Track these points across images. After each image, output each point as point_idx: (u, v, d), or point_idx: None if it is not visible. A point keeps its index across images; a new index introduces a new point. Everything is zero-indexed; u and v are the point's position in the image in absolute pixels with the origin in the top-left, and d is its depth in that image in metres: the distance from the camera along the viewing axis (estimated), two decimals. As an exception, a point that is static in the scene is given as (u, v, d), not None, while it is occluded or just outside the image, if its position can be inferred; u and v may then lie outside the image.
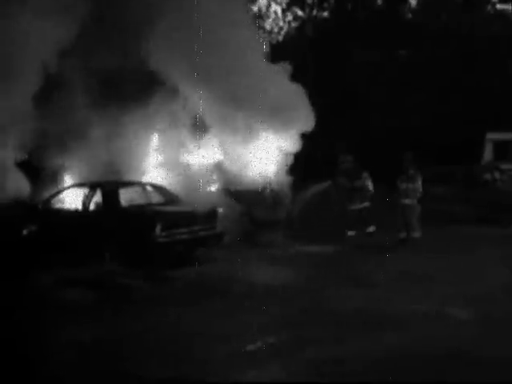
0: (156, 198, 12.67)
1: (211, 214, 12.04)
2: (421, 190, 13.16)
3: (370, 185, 14.17)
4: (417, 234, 13.03)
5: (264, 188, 13.84)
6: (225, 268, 10.98)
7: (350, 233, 13.91)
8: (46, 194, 13.07)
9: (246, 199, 13.61)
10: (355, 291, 9.10)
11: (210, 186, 14.34)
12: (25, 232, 11.03)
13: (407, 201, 13.14)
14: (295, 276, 10.34)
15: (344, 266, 11.07)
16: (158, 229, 11.04)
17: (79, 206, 12.10)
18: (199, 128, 14.28)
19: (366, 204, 14.07)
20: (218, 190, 14.12)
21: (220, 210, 12.27)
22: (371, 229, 13.97)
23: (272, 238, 13.15)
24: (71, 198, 12.67)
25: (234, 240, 12.62)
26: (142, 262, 10.66)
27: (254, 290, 9.35)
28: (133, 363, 6.50)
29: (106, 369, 6.41)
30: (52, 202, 12.69)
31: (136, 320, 8.04)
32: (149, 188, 13.09)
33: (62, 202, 12.78)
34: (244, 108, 13.49)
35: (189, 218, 11.62)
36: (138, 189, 12.91)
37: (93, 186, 12.31)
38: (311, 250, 12.47)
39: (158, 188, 13.18)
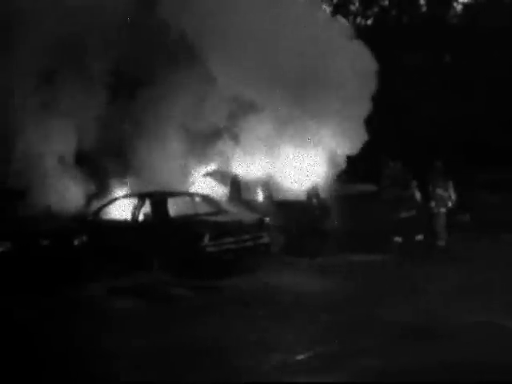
0: (204, 208, 12.76)
1: (258, 224, 12.08)
2: (452, 197, 13.14)
3: (417, 194, 14.02)
4: (442, 243, 13.23)
5: (310, 197, 13.77)
6: (272, 277, 10.97)
7: (397, 239, 13.69)
8: (96, 205, 13.32)
9: (293, 209, 13.57)
10: (405, 301, 8.98)
11: (257, 195, 14.37)
12: (76, 242, 11.21)
13: (436, 209, 13.36)
14: (344, 285, 10.27)
15: (394, 275, 10.94)
16: (206, 238, 11.14)
17: (128, 217, 12.27)
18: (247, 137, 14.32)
19: (413, 212, 13.90)
20: (265, 199, 14.12)
21: (267, 219, 12.29)
22: (419, 237, 13.79)
23: (319, 247, 13.07)
24: (120, 209, 12.87)
25: (281, 249, 12.60)
26: (191, 272, 10.74)
27: (303, 300, 9.32)
28: (182, 372, 6.54)
29: (156, 377, 6.46)
30: (102, 212, 12.92)
31: (185, 329, 8.09)
32: (197, 198, 13.20)
33: (112, 212, 12.99)
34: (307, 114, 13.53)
35: (236, 227, 11.68)
36: (186, 199, 13.04)
37: (142, 197, 12.49)
38: (359, 259, 12.36)
39: (205, 198, 13.28)
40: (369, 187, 14.39)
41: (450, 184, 13.50)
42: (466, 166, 16.00)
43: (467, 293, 9.36)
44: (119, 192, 13.95)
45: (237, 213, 12.67)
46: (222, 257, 11.26)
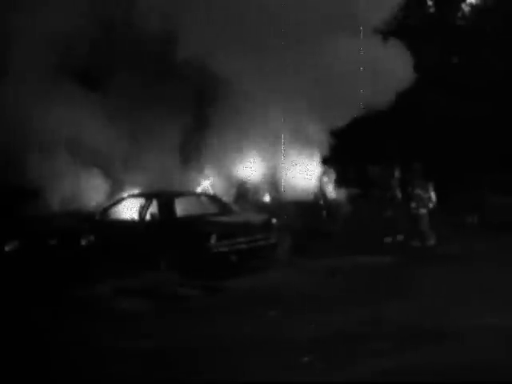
0: (211, 209, 12.77)
1: (266, 225, 12.07)
2: (433, 199, 13.33)
3: (398, 194, 14.39)
4: (431, 242, 13.45)
5: (317, 198, 13.78)
6: (279, 278, 10.96)
7: (387, 239, 14.02)
8: (103, 205, 13.34)
9: (300, 210, 13.57)
10: (414, 303, 8.93)
11: (264, 196, 14.39)
12: (83, 242, 11.24)
13: (419, 210, 13.63)
14: (350, 286, 10.24)
15: (399, 276, 10.90)
16: (213, 239, 11.14)
17: (135, 217, 12.28)
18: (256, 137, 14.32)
19: (393, 213, 14.17)
20: (272, 200, 14.13)
21: (274, 220, 12.29)
22: (399, 237, 14.09)
23: (326, 248, 13.06)
24: (127, 209, 12.88)
25: (288, 250, 12.58)
26: (198, 272, 10.74)
27: (310, 301, 9.29)
28: (190, 371, 6.54)
29: (165, 377, 6.47)
30: (109, 212, 12.94)
31: (192, 329, 8.09)
32: (204, 198, 13.22)
33: (119, 212, 13.00)
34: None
35: (244, 228, 11.68)
36: (193, 199, 13.05)
37: (149, 197, 12.50)
38: (366, 260, 12.33)
39: (212, 198, 13.29)
40: (354, 190, 14.83)
41: (431, 185, 13.81)
42: (473, 168, 15.93)
43: (475, 294, 9.30)
44: (127, 191, 13.97)
45: (244, 213, 12.67)
46: (229, 257, 11.26)
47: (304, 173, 14.52)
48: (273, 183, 14.43)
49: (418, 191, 13.71)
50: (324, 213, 14.21)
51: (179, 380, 6.42)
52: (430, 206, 13.73)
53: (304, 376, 6.33)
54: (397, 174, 14.44)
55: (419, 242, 13.61)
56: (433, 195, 13.77)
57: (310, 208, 14.03)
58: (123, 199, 13.30)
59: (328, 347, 7.11)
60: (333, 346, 7.14)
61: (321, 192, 14.35)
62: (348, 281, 10.67)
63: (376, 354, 6.80)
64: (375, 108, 13.79)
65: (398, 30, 14.83)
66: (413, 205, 13.76)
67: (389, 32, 14.59)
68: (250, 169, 14.75)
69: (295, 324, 8.10)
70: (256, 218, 12.28)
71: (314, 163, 14.64)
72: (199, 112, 14.16)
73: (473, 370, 6.22)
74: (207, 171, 14.88)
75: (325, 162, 14.70)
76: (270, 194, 14.60)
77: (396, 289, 9.90)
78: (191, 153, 14.50)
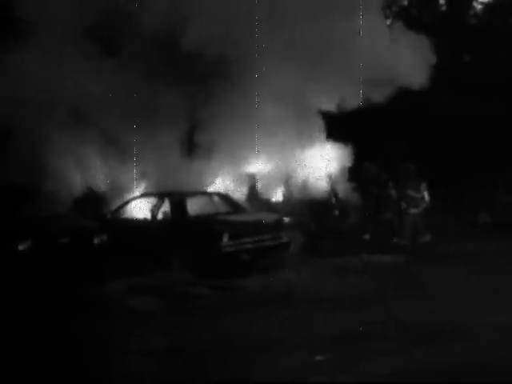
0: (223, 208, 12.80)
1: (277, 224, 12.09)
2: (426, 199, 13.81)
3: (394, 194, 14.56)
4: (427, 238, 13.70)
5: (329, 197, 13.78)
6: (291, 278, 10.94)
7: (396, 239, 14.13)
8: (115, 204, 13.40)
9: (312, 209, 13.58)
10: (425, 303, 8.93)
11: (276, 195, 14.39)
12: (96, 241, 11.29)
13: (409, 210, 13.84)
14: (361, 286, 10.22)
15: (409, 276, 10.90)
16: (224, 238, 11.18)
17: (147, 216, 12.33)
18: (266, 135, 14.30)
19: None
20: (285, 198, 14.14)
21: (286, 219, 12.30)
22: (366, 236, 14.35)
23: (338, 247, 13.06)
24: (139, 208, 12.94)
25: (299, 250, 12.59)
26: (210, 271, 10.77)
27: (321, 300, 9.29)
28: (202, 370, 6.57)
29: (177, 376, 6.51)
30: (121, 211, 13.00)
31: (205, 328, 8.12)
32: (215, 198, 13.24)
33: (131, 211, 13.06)
34: None
35: (255, 227, 11.70)
36: (204, 198, 13.08)
37: (161, 196, 12.55)
38: (378, 259, 12.32)
39: (224, 197, 13.31)
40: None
41: (424, 185, 13.81)
42: (485, 167, 15.86)
43: (486, 294, 9.30)
44: (138, 191, 14.02)
45: (255, 212, 12.69)
46: (241, 256, 11.28)
47: (316, 171, 14.52)
48: (285, 182, 14.43)
49: (410, 191, 13.83)
50: (336, 211, 14.23)
51: (191, 379, 6.45)
52: (423, 206, 13.84)
53: (315, 375, 6.34)
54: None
55: (407, 240, 13.82)
56: (426, 195, 13.90)
57: (323, 207, 14.04)
58: (135, 198, 13.35)
59: (339, 346, 7.12)
60: (341, 346, 7.15)
61: (332, 190, 14.35)
62: (360, 280, 10.65)
63: (385, 354, 6.81)
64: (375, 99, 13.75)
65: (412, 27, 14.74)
66: (404, 204, 13.92)
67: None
68: (262, 167, 14.76)
69: (306, 323, 8.12)
70: (267, 217, 12.30)
71: (326, 161, 14.63)
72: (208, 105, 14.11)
73: (482, 369, 6.23)
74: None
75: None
76: (282, 193, 14.62)
77: (407, 288, 9.91)
78: (200, 150, 14.50)
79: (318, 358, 6.83)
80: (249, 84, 13.25)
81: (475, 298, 9.02)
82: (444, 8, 24.80)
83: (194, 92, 13.71)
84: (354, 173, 14.66)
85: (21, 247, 10.29)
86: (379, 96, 13.66)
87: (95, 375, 6.62)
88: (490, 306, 8.52)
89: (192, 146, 14.40)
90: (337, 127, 14.60)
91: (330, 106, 13.89)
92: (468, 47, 23.64)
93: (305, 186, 14.31)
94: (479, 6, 24.67)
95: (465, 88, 21.06)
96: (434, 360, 6.60)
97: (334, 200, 13.94)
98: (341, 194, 14.42)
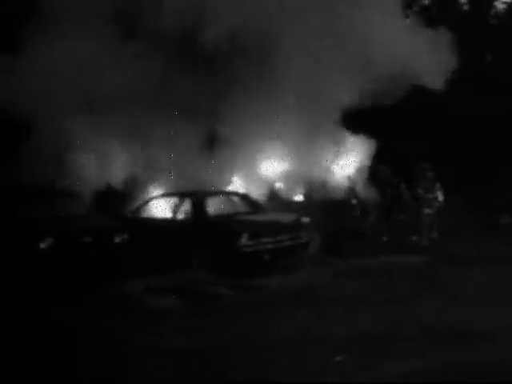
0: (242, 208, 12.83)
1: (296, 224, 12.07)
2: (440, 199, 13.67)
3: (406, 195, 14.42)
4: (435, 235, 13.76)
5: (350, 198, 13.75)
6: (310, 278, 10.96)
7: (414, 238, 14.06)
8: (136, 204, 13.47)
9: (332, 209, 13.56)
10: (444, 303, 8.88)
11: (295, 195, 14.39)
12: (117, 240, 11.37)
13: (426, 209, 13.77)
14: (381, 287, 10.18)
15: (428, 276, 10.84)
16: (243, 238, 11.19)
17: (168, 215, 12.38)
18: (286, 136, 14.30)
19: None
20: (305, 198, 14.13)
21: (305, 219, 12.28)
22: (384, 238, 14.15)
23: (357, 248, 13.01)
24: (160, 208, 13.00)
25: (319, 250, 12.57)
26: (229, 271, 10.79)
27: (340, 301, 9.26)
28: (221, 370, 6.59)
29: (195, 376, 6.52)
30: (142, 211, 13.06)
31: (224, 328, 8.14)
32: (235, 198, 13.27)
33: (151, 211, 13.13)
34: None
35: (274, 227, 11.70)
36: (224, 198, 13.11)
37: (182, 196, 12.60)
38: (398, 260, 12.26)
39: (244, 197, 13.33)
40: None
41: (438, 186, 13.67)
42: (507, 166, 15.68)
43: (506, 295, 9.22)
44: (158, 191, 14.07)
45: (275, 213, 12.69)
46: (260, 256, 11.29)
47: (338, 171, 14.53)
48: (307, 181, 14.43)
49: (420, 191, 13.75)
50: (357, 212, 14.20)
51: (210, 379, 6.47)
52: (436, 205, 13.70)
53: (334, 376, 6.33)
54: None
55: (426, 240, 13.75)
56: (440, 196, 13.74)
57: (342, 206, 14.01)
58: (156, 198, 13.41)
59: (357, 347, 7.10)
60: (362, 346, 7.13)
61: (353, 191, 14.31)
62: (379, 281, 10.61)
63: (405, 354, 6.80)
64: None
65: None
66: (418, 205, 13.88)
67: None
68: (283, 167, 14.77)
69: (326, 324, 8.10)
70: (287, 217, 12.29)
71: (348, 161, 14.62)
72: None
73: (500, 370, 6.20)
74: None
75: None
76: (304, 192, 14.61)
77: (427, 289, 9.86)
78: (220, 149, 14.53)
79: (338, 358, 6.81)
80: (271, 86, 13.29)
81: (496, 300, 8.95)
82: (465, 8, 24.59)
83: (215, 88, 13.72)
84: (371, 173, 14.61)
85: (42, 245, 10.40)
86: (399, 93, 13.60)
87: (112, 374, 6.64)
88: (510, 307, 8.45)
89: (212, 143, 14.41)
90: (357, 125, 14.54)
91: (352, 103, 13.81)
92: (489, 46, 23.44)
93: (324, 185, 14.29)
94: (501, 6, 24.44)
95: (486, 87, 20.90)
96: (454, 361, 6.56)
97: (354, 201, 13.88)
98: (361, 194, 14.36)
